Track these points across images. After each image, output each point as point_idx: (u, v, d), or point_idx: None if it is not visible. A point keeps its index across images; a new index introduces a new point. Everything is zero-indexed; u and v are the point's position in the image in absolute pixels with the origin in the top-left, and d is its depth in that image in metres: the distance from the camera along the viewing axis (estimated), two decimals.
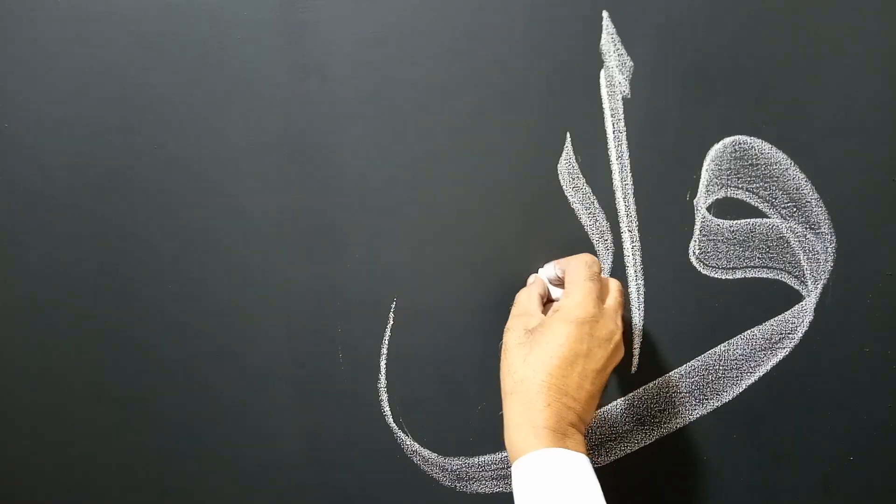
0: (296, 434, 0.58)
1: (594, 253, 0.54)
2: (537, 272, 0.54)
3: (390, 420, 0.57)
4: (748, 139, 0.52)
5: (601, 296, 0.47)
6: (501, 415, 0.55)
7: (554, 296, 0.52)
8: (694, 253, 0.53)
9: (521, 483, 0.42)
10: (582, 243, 0.54)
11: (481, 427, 0.56)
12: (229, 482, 0.59)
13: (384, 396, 0.57)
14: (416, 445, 0.57)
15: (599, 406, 0.55)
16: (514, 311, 0.50)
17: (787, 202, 0.52)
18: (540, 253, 0.54)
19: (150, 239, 0.56)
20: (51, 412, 0.59)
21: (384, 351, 0.56)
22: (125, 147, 0.56)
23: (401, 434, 0.57)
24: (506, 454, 0.56)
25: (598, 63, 0.52)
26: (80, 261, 0.57)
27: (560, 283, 0.50)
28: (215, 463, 0.59)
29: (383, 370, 0.56)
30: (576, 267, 0.48)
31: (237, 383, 0.58)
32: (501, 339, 0.49)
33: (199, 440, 0.58)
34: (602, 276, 0.49)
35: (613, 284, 0.49)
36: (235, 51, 0.54)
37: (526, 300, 0.50)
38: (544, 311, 0.50)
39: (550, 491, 0.41)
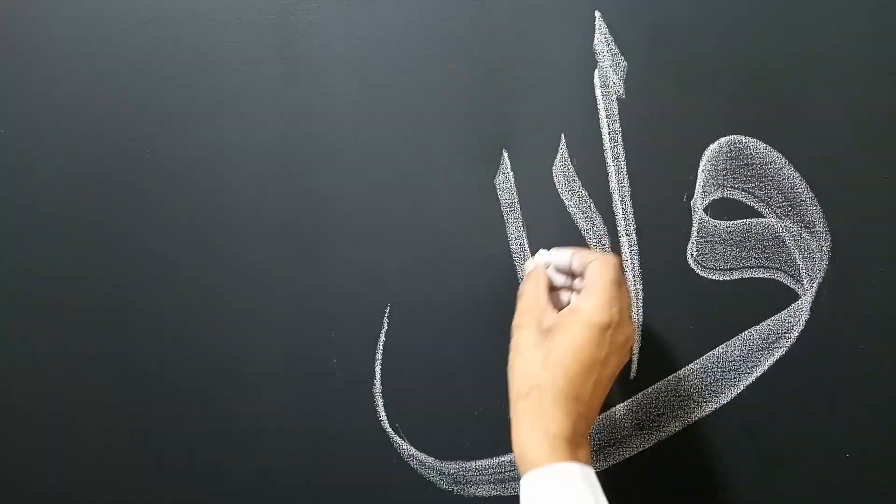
0: (292, 440, 0.58)
1: None
2: (534, 256, 0.52)
3: (386, 425, 0.57)
4: (744, 139, 0.52)
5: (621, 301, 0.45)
6: (503, 419, 0.55)
7: (556, 283, 0.49)
8: (692, 255, 0.53)
9: (533, 496, 0.41)
10: (579, 247, 0.54)
11: (478, 431, 0.56)
12: (226, 489, 0.59)
13: (380, 401, 0.57)
14: (413, 450, 0.57)
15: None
16: (522, 305, 0.48)
17: (783, 201, 0.53)
18: None
19: (143, 244, 0.57)
20: (44, 415, 0.59)
21: (379, 356, 0.56)
22: (119, 150, 0.56)
23: (397, 439, 0.57)
24: (504, 458, 0.56)
25: (592, 63, 0.52)
26: (73, 264, 0.57)
27: (569, 272, 0.48)
28: (212, 470, 0.59)
29: (378, 375, 0.56)
30: (602, 268, 0.45)
31: (232, 390, 0.58)
32: (510, 337, 0.47)
33: (195, 447, 0.59)
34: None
35: (625, 286, 0.47)
36: (229, 54, 0.54)
37: (534, 294, 0.47)
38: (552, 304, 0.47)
39: None
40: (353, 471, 0.57)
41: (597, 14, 0.52)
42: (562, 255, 0.49)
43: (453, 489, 0.57)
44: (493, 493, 0.56)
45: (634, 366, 0.54)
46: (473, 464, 0.56)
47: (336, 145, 0.55)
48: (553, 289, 0.49)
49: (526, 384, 0.43)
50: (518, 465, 0.43)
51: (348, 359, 0.56)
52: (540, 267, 0.50)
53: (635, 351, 0.54)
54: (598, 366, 0.43)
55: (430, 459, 0.57)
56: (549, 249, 0.51)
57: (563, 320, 0.44)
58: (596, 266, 0.45)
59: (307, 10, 0.53)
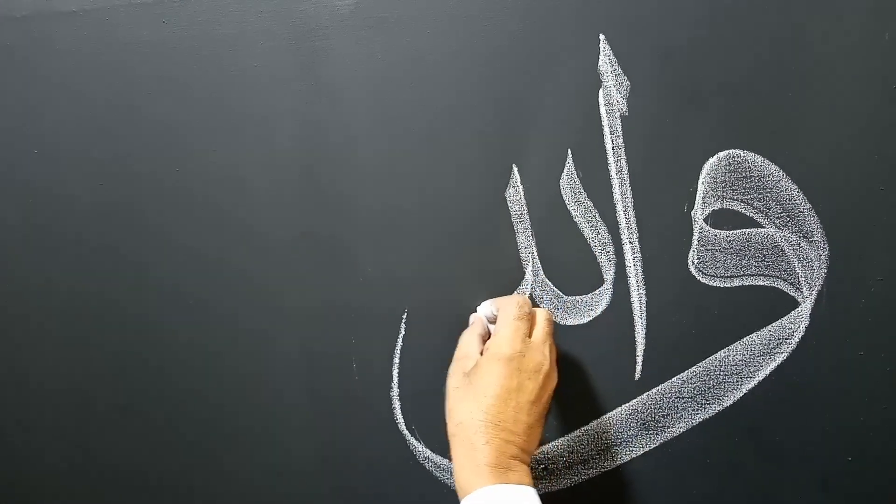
0: (311, 441, 0.59)
1: (596, 264, 0.56)
2: (476, 310, 0.55)
3: (403, 427, 0.58)
4: (741, 153, 0.54)
5: (529, 331, 0.49)
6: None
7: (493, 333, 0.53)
8: (693, 263, 0.55)
9: None
10: (585, 255, 0.56)
11: None
12: (245, 490, 0.60)
13: (397, 404, 0.58)
14: (429, 452, 0.58)
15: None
16: (456, 354, 0.52)
17: (781, 212, 0.54)
18: (546, 264, 0.56)
19: (170, 253, 0.58)
20: (66, 416, 0.61)
21: (396, 360, 0.58)
22: (145, 170, 0.58)
23: (413, 441, 0.58)
24: None
25: (597, 83, 0.54)
26: (105, 269, 0.59)
27: (496, 320, 0.52)
28: (232, 472, 0.60)
29: (396, 379, 0.58)
30: (506, 307, 0.50)
31: (254, 393, 0.59)
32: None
33: (215, 450, 0.60)
34: (532, 308, 0.51)
35: (541, 316, 0.50)
36: (252, 78, 0.56)
37: (467, 343, 0.52)
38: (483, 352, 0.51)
39: None
40: (369, 471, 0.59)
41: (601, 37, 0.53)
42: (486, 307, 0.54)
43: None
44: None
45: (639, 367, 0.56)
46: None
47: (356, 161, 0.56)
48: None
49: (452, 423, 0.47)
50: (458, 497, 0.45)
51: (367, 362, 0.58)
52: (479, 318, 0.54)
53: (639, 354, 0.56)
54: (514, 393, 0.46)
55: (445, 462, 0.58)
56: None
57: (479, 361, 0.48)
58: (502, 307, 0.50)
59: (326, 36, 0.55)
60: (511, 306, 0.50)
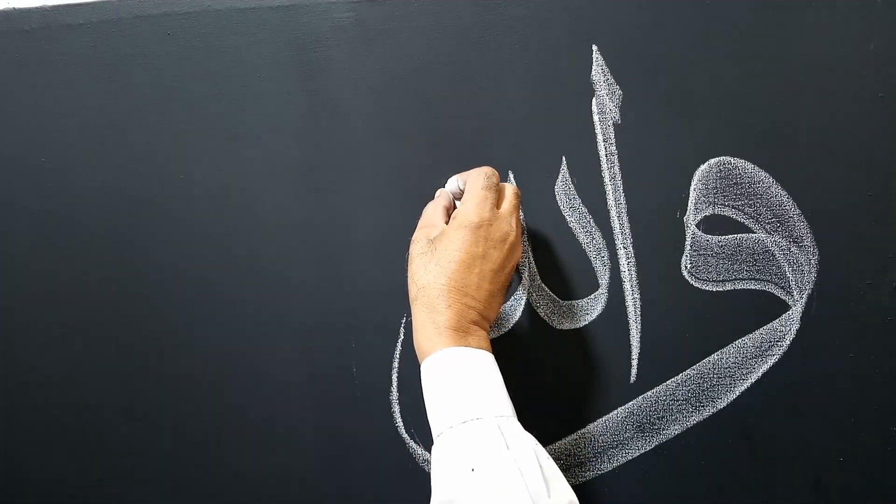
0: (311, 445, 0.60)
1: (591, 269, 0.57)
2: (444, 186, 0.55)
3: (402, 431, 0.59)
4: (732, 160, 0.55)
5: (497, 202, 0.49)
6: None
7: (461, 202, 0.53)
8: (686, 267, 0.56)
9: (428, 381, 0.45)
10: (580, 261, 0.57)
11: None
12: (245, 494, 0.61)
13: (396, 408, 0.59)
14: (428, 455, 0.58)
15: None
16: (420, 223, 0.52)
17: (771, 218, 0.55)
18: (542, 270, 0.57)
19: (174, 260, 0.60)
20: (76, 426, 0.62)
21: (395, 364, 0.59)
22: (150, 179, 0.59)
23: (412, 444, 0.59)
24: None
25: (590, 92, 0.55)
26: (109, 278, 0.60)
27: (462, 195, 0.52)
28: (232, 475, 0.61)
29: (395, 383, 0.59)
30: (474, 177, 0.50)
31: (255, 397, 0.60)
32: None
33: (216, 454, 0.61)
34: (500, 181, 0.51)
35: (509, 189, 0.51)
36: (255, 89, 0.57)
37: (431, 212, 0.52)
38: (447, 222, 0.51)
39: (454, 386, 0.44)
40: (369, 475, 0.59)
41: (594, 48, 0.55)
42: (453, 182, 0.54)
43: None
44: None
45: (634, 370, 0.57)
46: None
47: (354, 169, 0.58)
48: None
49: (415, 288, 0.47)
50: (419, 360, 0.46)
51: (367, 367, 0.59)
52: (444, 192, 0.54)
53: (634, 358, 0.57)
54: (479, 260, 0.47)
55: None
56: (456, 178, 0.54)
57: (445, 228, 0.49)
58: (471, 178, 0.50)
59: (327, 47, 0.56)
60: (479, 177, 0.50)
